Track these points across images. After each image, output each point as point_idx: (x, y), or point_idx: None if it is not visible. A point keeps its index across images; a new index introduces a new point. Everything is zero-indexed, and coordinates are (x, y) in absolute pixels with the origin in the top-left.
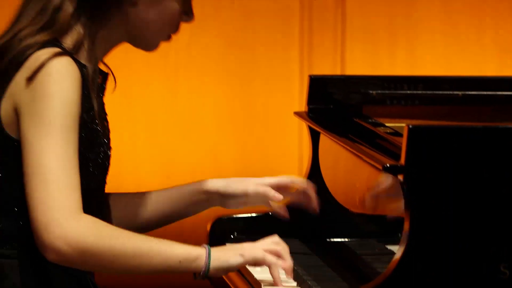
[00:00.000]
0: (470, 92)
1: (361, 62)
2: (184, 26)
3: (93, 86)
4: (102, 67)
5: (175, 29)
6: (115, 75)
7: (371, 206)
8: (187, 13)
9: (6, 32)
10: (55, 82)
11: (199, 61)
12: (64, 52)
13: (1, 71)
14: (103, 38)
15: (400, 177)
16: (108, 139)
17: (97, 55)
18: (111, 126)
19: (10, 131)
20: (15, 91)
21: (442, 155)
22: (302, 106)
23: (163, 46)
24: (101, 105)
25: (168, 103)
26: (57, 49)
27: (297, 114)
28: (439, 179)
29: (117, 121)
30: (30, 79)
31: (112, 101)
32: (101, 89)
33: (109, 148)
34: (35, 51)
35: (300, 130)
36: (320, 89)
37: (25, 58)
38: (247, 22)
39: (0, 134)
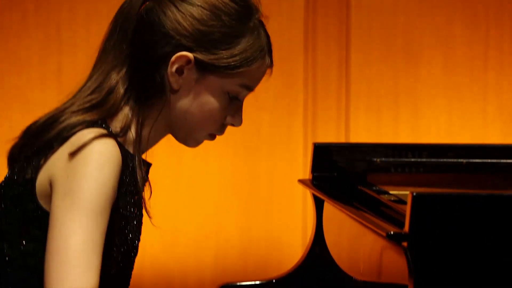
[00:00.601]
0: (474, 160)
1: (365, 129)
2: None
3: (134, 173)
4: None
5: (218, 129)
6: None
7: (376, 274)
8: (232, 115)
9: (65, 103)
10: (94, 163)
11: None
12: (110, 135)
13: (46, 142)
14: (148, 125)
15: (404, 245)
16: (139, 230)
17: (142, 144)
18: None
19: (43, 202)
20: (54, 164)
21: (446, 223)
22: (306, 174)
23: None
24: (140, 196)
25: (173, 169)
26: (103, 130)
27: (301, 181)
28: (443, 246)
29: None
30: (71, 155)
31: None
32: (143, 180)
33: (138, 238)
34: (82, 129)
35: (304, 198)
36: (324, 157)
37: (71, 134)
38: None
39: (33, 204)
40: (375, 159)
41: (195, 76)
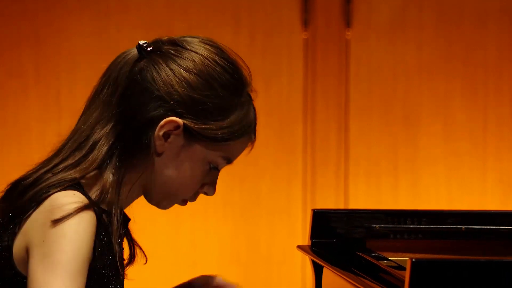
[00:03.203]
0: (473, 227)
1: (365, 195)
2: None
3: (111, 232)
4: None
5: (192, 196)
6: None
7: None
8: (208, 184)
9: (49, 158)
10: (70, 226)
11: (202, 195)
12: (84, 197)
13: (21, 207)
14: (127, 185)
15: None
16: (121, 285)
17: (120, 201)
18: None
19: (21, 268)
20: (29, 230)
21: None
22: (305, 240)
23: None
24: (117, 251)
25: (171, 238)
26: (76, 193)
27: (300, 248)
28: None
29: None
30: (46, 219)
31: None
32: (121, 235)
33: None
34: (56, 191)
35: (304, 264)
36: (323, 223)
37: (45, 197)
38: (250, 156)
39: (11, 271)
40: (374, 226)
41: (181, 142)
